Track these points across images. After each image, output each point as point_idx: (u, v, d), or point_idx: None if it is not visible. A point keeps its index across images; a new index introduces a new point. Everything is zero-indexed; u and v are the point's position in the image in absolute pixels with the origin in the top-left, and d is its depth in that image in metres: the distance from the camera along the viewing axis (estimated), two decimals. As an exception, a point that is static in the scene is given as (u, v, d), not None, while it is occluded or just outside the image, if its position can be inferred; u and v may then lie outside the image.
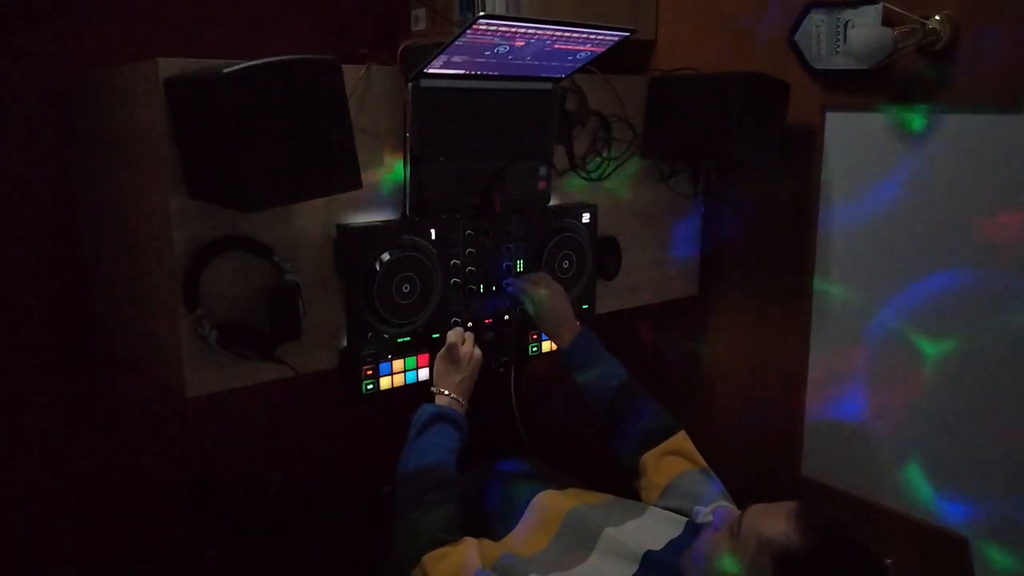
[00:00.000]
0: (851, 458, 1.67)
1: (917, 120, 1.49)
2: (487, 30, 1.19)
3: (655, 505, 1.26)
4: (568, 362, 1.44)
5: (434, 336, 1.43)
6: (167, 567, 1.97)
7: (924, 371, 1.54)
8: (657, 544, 1.14)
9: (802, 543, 0.98)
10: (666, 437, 1.33)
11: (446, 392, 1.32)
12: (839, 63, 1.55)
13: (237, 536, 2.03)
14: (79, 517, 1.84)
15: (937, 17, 1.39)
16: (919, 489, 1.57)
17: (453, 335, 1.36)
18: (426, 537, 1.13)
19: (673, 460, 1.31)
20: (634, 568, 1.11)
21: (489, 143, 1.43)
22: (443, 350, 1.35)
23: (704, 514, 1.17)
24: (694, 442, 1.36)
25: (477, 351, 1.37)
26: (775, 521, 1.01)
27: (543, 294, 1.46)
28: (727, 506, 1.20)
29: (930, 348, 1.53)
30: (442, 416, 1.28)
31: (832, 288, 1.68)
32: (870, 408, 1.63)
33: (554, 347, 1.52)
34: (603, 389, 1.40)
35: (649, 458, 1.32)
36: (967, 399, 1.49)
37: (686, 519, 1.20)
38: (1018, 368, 1.42)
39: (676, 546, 1.14)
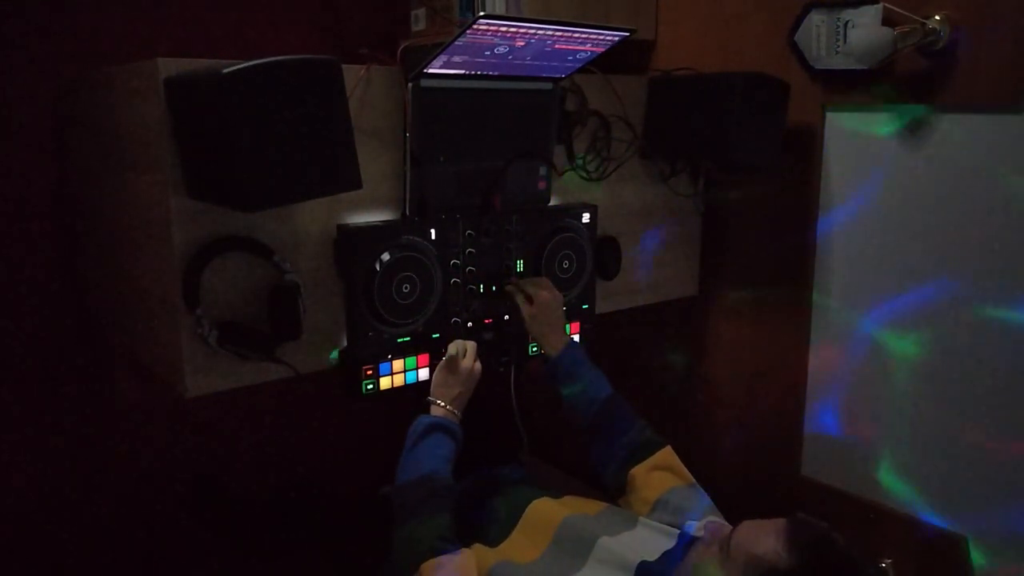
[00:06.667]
0: (851, 458, 1.67)
1: (917, 120, 1.49)
2: (487, 30, 1.19)
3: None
4: (555, 372, 1.44)
5: (434, 336, 1.43)
6: (166, 567, 1.97)
7: (924, 371, 1.54)
8: (651, 555, 1.14)
9: (791, 561, 0.98)
10: (653, 452, 1.33)
11: (441, 404, 1.32)
12: (839, 63, 1.55)
13: (236, 536, 2.03)
14: (78, 517, 1.84)
15: (937, 17, 1.39)
16: (919, 489, 1.57)
17: (454, 347, 1.36)
18: (424, 545, 1.13)
19: (662, 475, 1.31)
20: None
21: (489, 143, 1.43)
22: (443, 361, 1.35)
23: (697, 528, 1.18)
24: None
25: (478, 365, 1.36)
26: (765, 539, 1.01)
27: (544, 296, 1.46)
28: (718, 521, 1.21)
29: (930, 349, 1.53)
30: (437, 426, 1.28)
31: (832, 288, 1.68)
32: (870, 408, 1.63)
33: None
34: (588, 402, 1.40)
35: (637, 473, 1.32)
36: (967, 399, 1.49)
37: (678, 531, 1.20)
38: (1018, 371, 1.42)
39: (669, 558, 1.14)
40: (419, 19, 1.68)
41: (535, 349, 1.58)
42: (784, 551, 0.98)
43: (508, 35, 1.22)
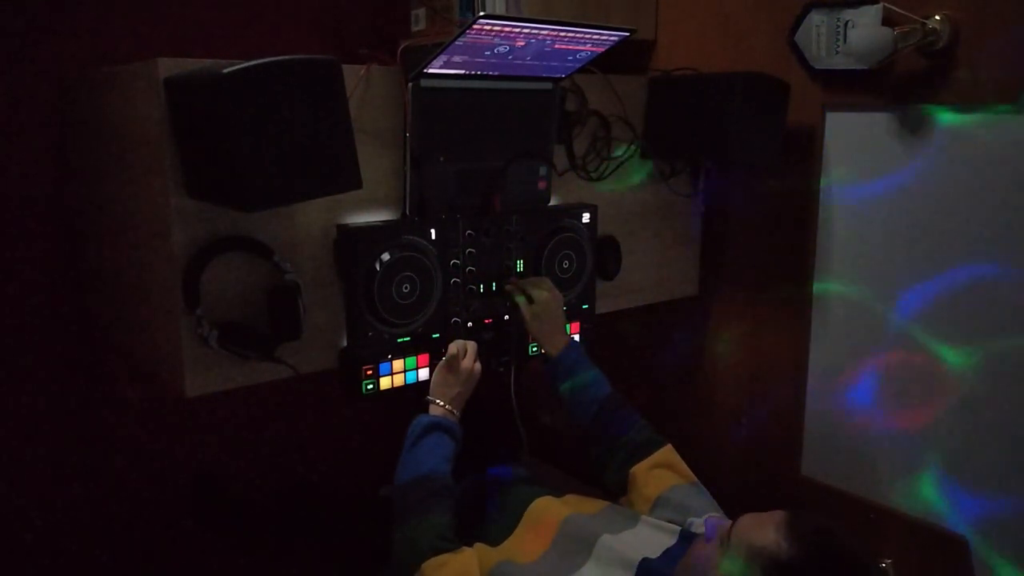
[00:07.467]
0: (851, 458, 1.67)
1: (917, 120, 1.49)
2: (487, 30, 1.19)
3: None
4: (555, 371, 1.45)
5: (434, 336, 1.43)
6: (166, 567, 1.97)
7: (924, 371, 1.54)
8: (653, 552, 1.15)
9: (791, 552, 0.98)
10: (653, 450, 1.34)
11: (440, 403, 1.32)
12: (839, 63, 1.55)
13: (237, 536, 2.03)
14: (79, 517, 1.84)
15: (937, 17, 1.39)
16: (919, 489, 1.57)
17: (454, 347, 1.36)
18: (425, 544, 1.14)
19: (663, 473, 1.32)
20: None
21: (489, 143, 1.43)
22: (443, 360, 1.35)
23: (697, 525, 1.18)
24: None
25: (477, 366, 1.36)
26: (765, 530, 1.01)
27: (545, 296, 1.46)
28: (719, 516, 1.21)
29: (929, 348, 1.52)
30: (437, 426, 1.28)
31: (832, 288, 1.68)
32: (870, 408, 1.63)
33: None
34: (588, 401, 1.40)
35: (638, 471, 1.32)
36: (966, 398, 1.49)
37: (679, 528, 1.21)
38: (1016, 367, 1.42)
39: (671, 555, 1.14)
40: (419, 19, 1.68)
41: (535, 349, 1.58)
42: (785, 542, 0.99)
43: (508, 35, 1.22)
